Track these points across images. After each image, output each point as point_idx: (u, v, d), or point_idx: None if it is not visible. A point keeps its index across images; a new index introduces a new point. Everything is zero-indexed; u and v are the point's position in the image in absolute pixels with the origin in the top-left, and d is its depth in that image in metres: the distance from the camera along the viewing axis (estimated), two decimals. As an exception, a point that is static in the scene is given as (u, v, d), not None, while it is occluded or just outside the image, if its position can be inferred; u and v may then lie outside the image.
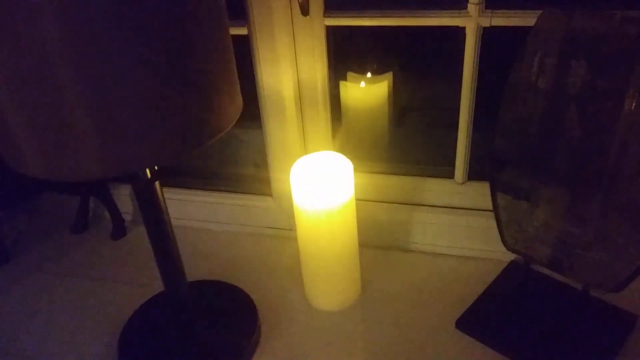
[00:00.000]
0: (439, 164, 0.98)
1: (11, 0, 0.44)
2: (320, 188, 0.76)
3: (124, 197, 1.11)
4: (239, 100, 0.65)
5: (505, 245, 0.81)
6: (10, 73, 0.48)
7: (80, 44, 0.46)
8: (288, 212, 1.01)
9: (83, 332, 0.86)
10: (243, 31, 0.86)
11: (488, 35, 0.81)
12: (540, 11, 0.66)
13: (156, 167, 0.68)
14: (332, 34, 0.88)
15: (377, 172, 0.98)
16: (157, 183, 0.69)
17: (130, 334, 0.84)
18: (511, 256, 0.89)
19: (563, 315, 0.80)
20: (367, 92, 1.11)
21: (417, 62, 1.20)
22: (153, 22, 0.49)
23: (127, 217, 1.13)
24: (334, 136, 0.97)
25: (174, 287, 0.79)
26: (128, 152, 0.52)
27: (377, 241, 0.99)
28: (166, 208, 0.72)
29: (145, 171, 0.67)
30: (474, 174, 0.93)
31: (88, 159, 0.52)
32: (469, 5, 0.79)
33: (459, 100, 0.87)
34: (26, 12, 0.45)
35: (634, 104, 0.60)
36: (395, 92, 1.14)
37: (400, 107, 1.21)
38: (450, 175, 0.94)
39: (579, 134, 0.65)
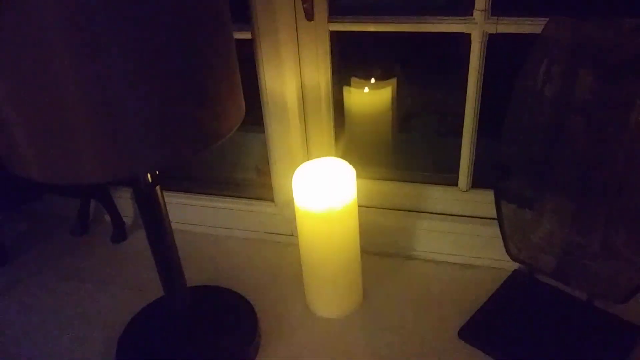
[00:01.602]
0: (442, 171, 0.98)
1: (15, 7, 0.44)
2: (323, 193, 0.76)
3: (125, 200, 1.11)
4: (242, 105, 0.64)
5: (509, 255, 0.81)
6: (12, 78, 0.48)
7: (83, 49, 0.46)
8: (290, 217, 1.01)
9: (81, 336, 0.86)
10: (247, 35, 0.85)
11: (494, 41, 0.80)
12: (547, 19, 0.65)
13: (157, 172, 0.68)
14: (336, 39, 0.88)
15: (380, 179, 0.98)
16: (158, 187, 0.68)
17: (128, 338, 0.83)
18: (515, 265, 0.88)
19: (567, 326, 0.79)
20: (371, 97, 1.11)
21: (421, 68, 1.20)
22: (155, 27, 0.48)
23: (128, 221, 1.12)
24: (337, 142, 0.97)
25: (173, 292, 0.78)
26: (129, 156, 0.52)
27: (380, 248, 0.98)
28: (167, 212, 0.72)
29: (147, 175, 0.67)
30: (478, 182, 0.92)
31: (89, 163, 0.51)
32: (474, 12, 0.78)
33: (464, 106, 0.86)
34: (29, 15, 0.44)
35: (641, 114, 0.59)
36: (398, 98, 1.14)
37: (404, 113, 1.20)
38: (454, 183, 0.94)
39: (585, 143, 0.65)
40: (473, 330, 0.81)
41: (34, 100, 0.48)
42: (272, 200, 1.02)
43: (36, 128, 0.50)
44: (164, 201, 0.70)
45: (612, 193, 0.65)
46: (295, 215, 0.81)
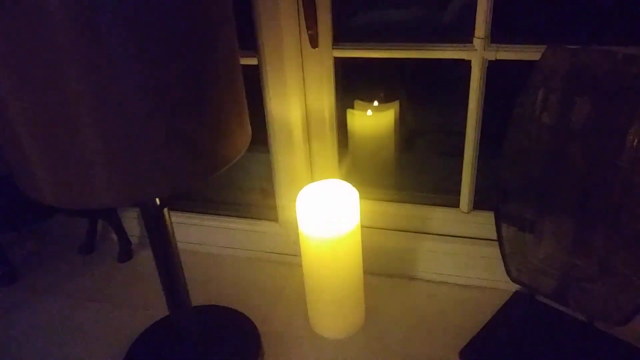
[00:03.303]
0: (444, 193, 0.99)
1: (33, 27, 0.46)
2: (326, 216, 0.77)
3: (131, 220, 1.12)
4: (248, 129, 0.66)
5: (509, 276, 0.82)
6: (28, 104, 0.49)
7: (97, 76, 0.48)
8: (294, 237, 1.02)
9: (86, 355, 0.87)
10: (253, 61, 0.87)
11: (495, 65, 0.82)
12: (545, 46, 0.67)
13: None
14: (340, 62, 0.90)
15: (383, 200, 0.99)
16: (165, 209, 0.70)
17: (133, 357, 0.84)
18: (516, 286, 0.89)
19: (567, 348, 0.80)
20: (374, 120, 1.13)
21: (424, 91, 1.22)
22: (166, 54, 0.50)
23: (134, 240, 1.13)
24: (340, 164, 0.98)
25: (178, 311, 0.79)
26: (139, 182, 0.53)
27: (382, 269, 0.99)
28: (173, 233, 0.73)
29: (155, 198, 0.68)
30: (479, 204, 0.94)
31: (101, 189, 0.53)
32: (474, 39, 0.80)
33: (465, 129, 0.88)
34: (46, 42, 0.46)
35: (636, 141, 0.61)
36: (401, 120, 1.16)
37: (407, 135, 1.22)
38: (456, 204, 0.95)
39: (583, 168, 0.66)
40: (474, 351, 0.81)
41: (49, 126, 0.50)
42: (276, 220, 1.04)
43: (50, 153, 0.51)
44: (171, 222, 0.72)
45: (610, 216, 0.67)
46: (298, 236, 0.82)
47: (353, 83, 1.13)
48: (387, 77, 1.18)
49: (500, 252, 0.80)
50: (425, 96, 1.23)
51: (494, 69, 0.83)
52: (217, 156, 0.58)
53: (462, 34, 0.82)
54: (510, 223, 0.76)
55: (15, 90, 0.49)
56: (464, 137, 0.89)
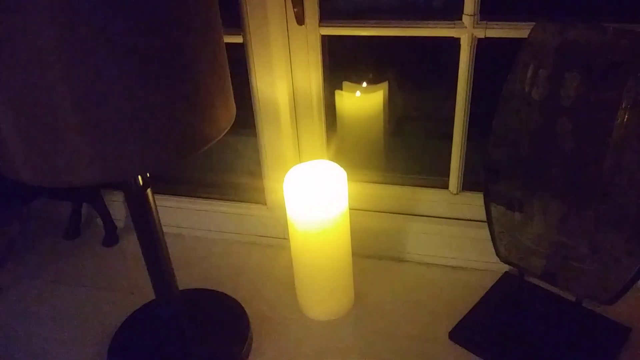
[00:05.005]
0: (433, 174, 0.98)
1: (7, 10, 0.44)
2: (314, 197, 0.76)
3: (117, 204, 1.11)
4: (232, 108, 0.65)
5: (498, 257, 0.81)
6: (3, 80, 0.48)
7: (72, 50, 0.46)
8: (282, 220, 1.01)
9: (72, 340, 0.86)
10: (238, 39, 0.86)
11: (483, 46, 0.81)
12: (534, 23, 0.66)
13: (148, 174, 0.68)
14: (328, 43, 0.89)
15: (372, 182, 0.98)
16: (149, 190, 0.68)
17: (120, 342, 0.83)
18: (505, 267, 0.89)
19: (556, 327, 0.80)
20: (363, 101, 1.12)
21: (413, 72, 1.21)
22: (144, 30, 0.49)
23: (120, 224, 1.12)
24: (328, 145, 0.97)
25: (164, 295, 0.78)
26: (120, 159, 0.52)
27: (371, 251, 0.99)
28: (158, 215, 0.72)
29: (138, 178, 0.67)
30: (468, 185, 0.93)
31: (79, 166, 0.51)
32: (463, 16, 0.79)
33: (454, 110, 0.87)
34: (22, 18, 0.45)
35: (626, 117, 0.60)
36: (390, 101, 1.15)
37: (396, 117, 1.21)
38: (445, 186, 0.94)
39: (572, 145, 0.66)
40: (464, 332, 0.81)
41: (25, 102, 0.48)
42: (264, 203, 1.03)
43: (26, 130, 0.50)
44: (155, 204, 0.71)
45: (599, 194, 0.66)
46: (286, 219, 0.81)
47: (341, 64, 1.11)
48: (376, 58, 1.16)
49: (490, 232, 0.80)
50: (415, 78, 1.21)
51: (482, 51, 0.81)
52: (199, 134, 0.57)
53: (454, 17, 0.81)
54: (499, 202, 0.76)
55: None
56: (453, 119, 0.88)
